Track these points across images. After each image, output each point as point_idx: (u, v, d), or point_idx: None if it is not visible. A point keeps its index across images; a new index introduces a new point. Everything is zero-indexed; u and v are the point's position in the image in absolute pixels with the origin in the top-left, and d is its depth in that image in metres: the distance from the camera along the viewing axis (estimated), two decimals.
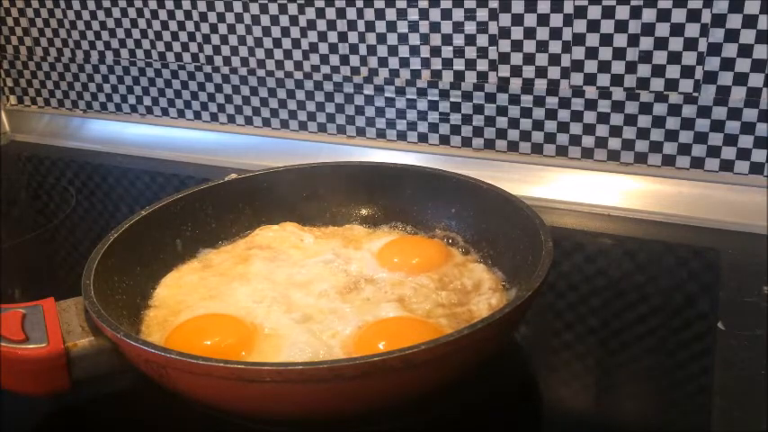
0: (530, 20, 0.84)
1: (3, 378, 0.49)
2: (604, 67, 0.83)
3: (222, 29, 1.02)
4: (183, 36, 1.05)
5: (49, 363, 0.49)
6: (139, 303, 0.61)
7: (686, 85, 0.80)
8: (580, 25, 0.82)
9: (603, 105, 0.85)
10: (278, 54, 1.00)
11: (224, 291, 0.61)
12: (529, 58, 0.86)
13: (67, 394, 0.52)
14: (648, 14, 0.79)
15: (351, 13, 0.93)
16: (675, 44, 0.79)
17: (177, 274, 0.65)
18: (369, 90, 0.97)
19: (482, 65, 0.89)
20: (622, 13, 0.80)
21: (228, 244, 0.70)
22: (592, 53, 0.83)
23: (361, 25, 0.94)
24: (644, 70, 0.81)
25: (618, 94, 0.84)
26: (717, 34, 0.77)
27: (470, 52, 0.89)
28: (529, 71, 0.87)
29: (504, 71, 0.88)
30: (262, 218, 0.72)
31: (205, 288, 0.62)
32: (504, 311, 0.47)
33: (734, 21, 0.76)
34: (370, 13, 0.92)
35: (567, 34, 0.83)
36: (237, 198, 0.72)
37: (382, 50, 0.94)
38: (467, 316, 0.57)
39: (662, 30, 0.79)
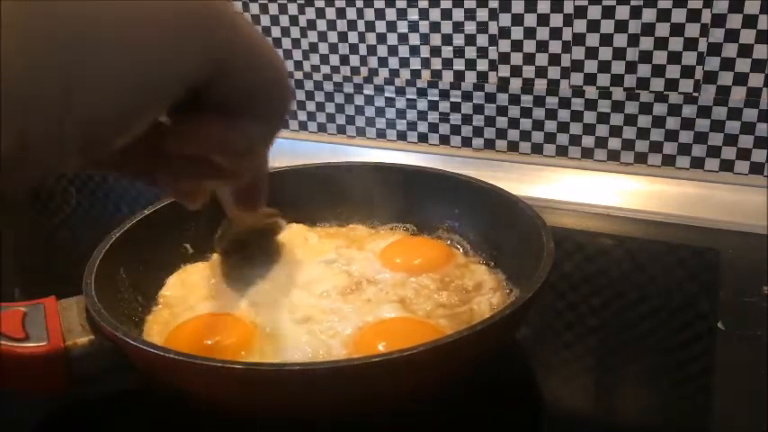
0: (530, 20, 0.85)
1: (2, 376, 0.49)
2: (604, 67, 0.83)
3: None
4: None
5: (48, 361, 0.49)
6: (141, 302, 0.60)
7: (686, 85, 0.80)
8: (580, 25, 0.82)
9: (603, 105, 0.85)
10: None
11: (226, 290, 0.61)
12: (529, 58, 0.87)
13: (67, 393, 0.52)
14: (648, 14, 0.79)
15: (351, 13, 0.94)
16: (675, 44, 0.79)
17: (180, 273, 0.65)
18: (369, 90, 0.97)
19: (482, 65, 0.89)
20: (622, 13, 0.80)
21: None
22: (592, 53, 0.83)
23: (361, 25, 0.94)
24: (644, 70, 0.81)
25: (618, 94, 0.84)
26: (717, 34, 0.77)
27: (470, 52, 0.89)
28: (529, 71, 0.87)
29: (504, 71, 0.88)
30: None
31: (207, 288, 0.62)
32: (504, 313, 0.47)
33: (734, 21, 0.76)
34: (370, 13, 0.92)
35: (567, 34, 0.83)
36: None
37: (382, 50, 0.94)
38: (467, 317, 0.57)
39: (662, 30, 0.79)
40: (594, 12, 0.81)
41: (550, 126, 0.89)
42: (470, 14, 0.88)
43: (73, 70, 0.26)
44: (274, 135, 0.39)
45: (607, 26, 0.81)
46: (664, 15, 0.78)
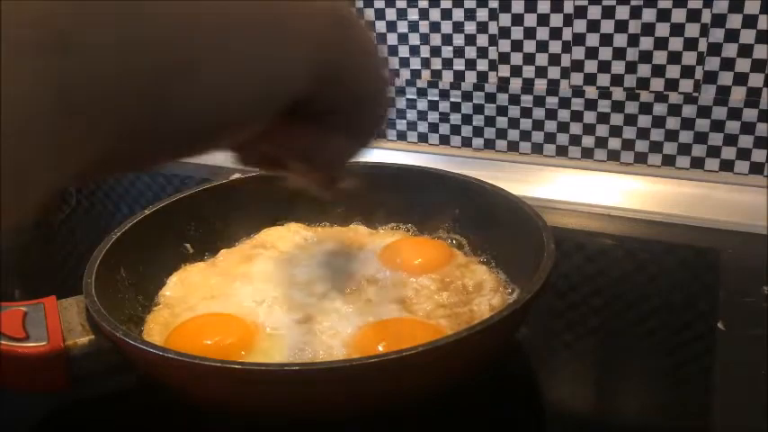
0: (530, 20, 0.85)
1: (2, 376, 0.49)
2: (604, 67, 0.83)
3: None
4: None
5: (48, 361, 0.49)
6: (142, 302, 0.60)
7: (686, 85, 0.80)
8: (580, 25, 0.82)
9: (603, 105, 0.85)
10: None
11: (226, 290, 0.61)
12: (529, 58, 0.87)
13: (67, 393, 0.52)
14: (648, 14, 0.79)
15: None
16: (675, 44, 0.79)
17: (180, 273, 0.65)
18: None
19: (482, 65, 0.89)
20: (622, 13, 0.80)
21: (233, 244, 0.70)
22: (592, 53, 0.83)
23: None
24: (644, 70, 0.81)
25: (618, 94, 0.84)
26: (717, 34, 0.77)
27: (470, 52, 0.89)
28: (529, 71, 0.87)
29: (504, 71, 0.89)
30: (266, 217, 0.72)
31: (208, 288, 0.62)
32: (503, 314, 0.47)
33: (734, 21, 0.76)
34: (369, 13, 0.92)
35: (567, 34, 0.83)
36: (242, 197, 0.72)
37: (382, 50, 0.94)
38: (468, 317, 0.57)
39: (662, 30, 0.79)
40: (594, 12, 0.81)
41: (550, 126, 0.89)
42: (470, 14, 0.88)
43: (158, 83, 0.23)
44: (363, 150, 0.37)
45: (607, 26, 0.81)
46: (664, 15, 0.78)
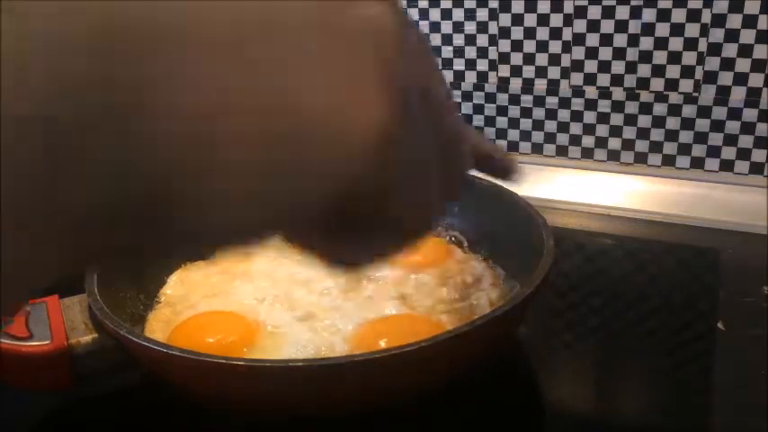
0: (530, 20, 0.85)
1: (6, 374, 0.49)
2: (604, 67, 0.83)
3: None
4: None
5: (51, 359, 0.49)
6: (143, 301, 0.61)
7: (686, 85, 0.81)
8: (580, 25, 0.82)
9: (603, 105, 0.85)
10: None
11: (227, 289, 0.61)
12: (529, 58, 0.87)
13: (71, 391, 0.52)
14: (648, 14, 0.79)
15: None
16: (675, 44, 0.79)
17: (181, 272, 0.65)
18: None
19: (482, 65, 0.90)
20: (622, 13, 0.80)
21: None
22: (592, 53, 0.83)
23: None
24: (644, 70, 0.82)
25: (618, 94, 0.84)
26: (717, 34, 0.77)
27: (470, 52, 0.90)
28: (529, 71, 0.87)
29: (504, 71, 0.89)
30: None
31: (208, 286, 0.62)
32: (504, 309, 0.48)
33: (734, 21, 0.76)
34: None
35: (567, 34, 0.84)
36: None
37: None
38: (468, 312, 0.57)
39: (662, 30, 0.79)
40: (594, 12, 0.81)
41: (550, 126, 0.89)
42: (470, 14, 0.88)
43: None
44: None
45: (607, 26, 0.81)
46: (664, 15, 0.78)
